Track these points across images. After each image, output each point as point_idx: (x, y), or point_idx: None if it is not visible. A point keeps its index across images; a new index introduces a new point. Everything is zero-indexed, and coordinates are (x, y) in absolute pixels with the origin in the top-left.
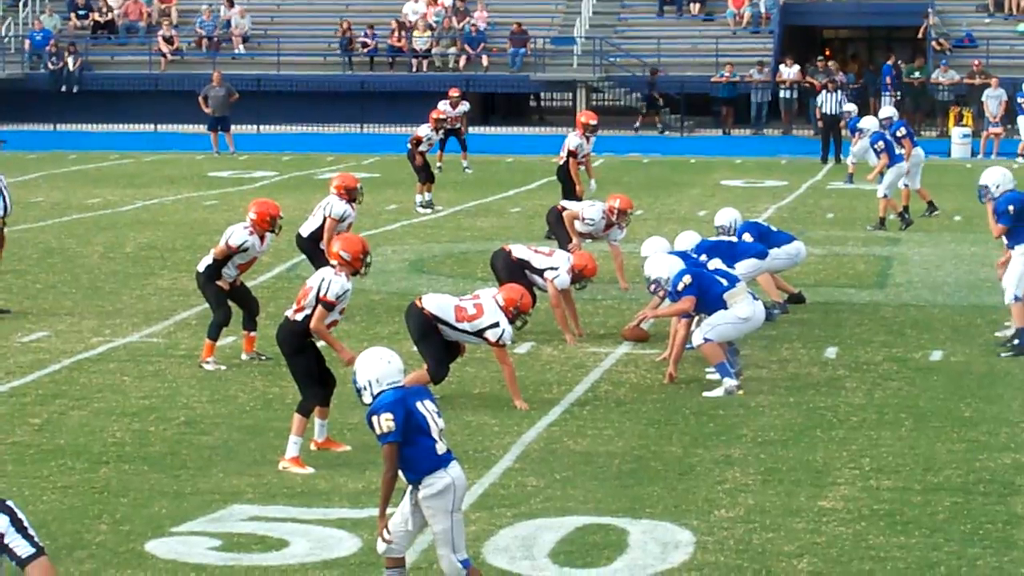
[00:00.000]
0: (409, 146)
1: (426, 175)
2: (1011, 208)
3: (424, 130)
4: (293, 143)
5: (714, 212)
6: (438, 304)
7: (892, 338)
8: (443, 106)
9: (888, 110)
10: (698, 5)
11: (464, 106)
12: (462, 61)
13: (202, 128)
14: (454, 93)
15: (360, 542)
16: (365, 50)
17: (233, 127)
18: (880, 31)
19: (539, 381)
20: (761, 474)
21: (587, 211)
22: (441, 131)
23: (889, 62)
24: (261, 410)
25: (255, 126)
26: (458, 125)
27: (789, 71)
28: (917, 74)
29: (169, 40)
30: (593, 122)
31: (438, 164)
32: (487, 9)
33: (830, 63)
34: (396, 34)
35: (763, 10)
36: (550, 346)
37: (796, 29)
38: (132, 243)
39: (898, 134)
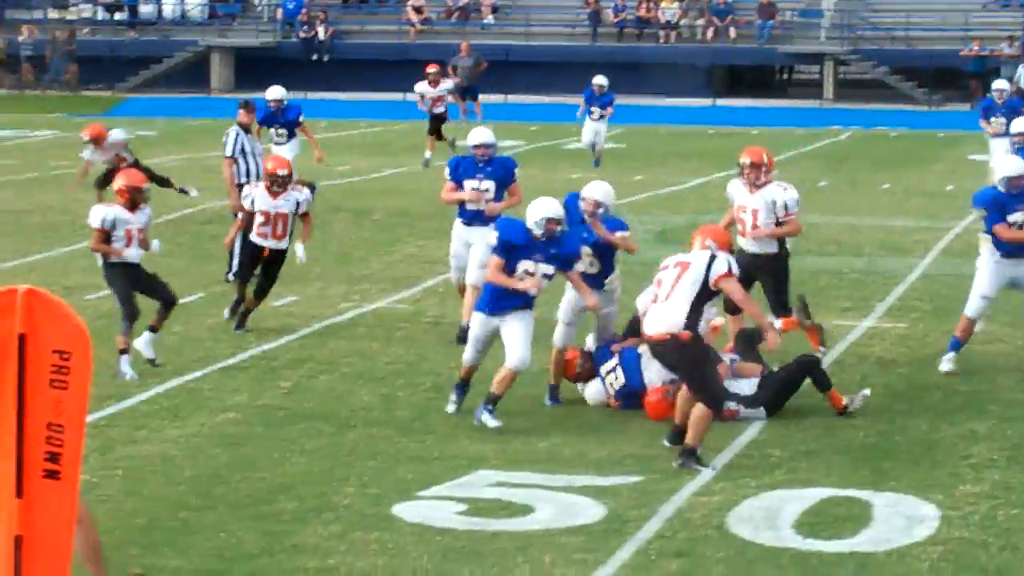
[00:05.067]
0: None
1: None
2: None
3: None
4: (540, 113)
5: (961, 187)
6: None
7: None
8: (421, 87)
9: None
10: None
11: (447, 83)
12: (709, 33)
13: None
14: (431, 69)
15: (605, 510)
16: (614, 21)
17: (481, 96)
18: None
19: (785, 352)
20: (1007, 450)
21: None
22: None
23: None
24: None
25: (503, 95)
26: (441, 108)
27: None
28: None
29: (419, 10)
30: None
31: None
32: None
33: None
34: (645, 5)
35: None
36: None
37: None
38: (380, 210)
39: None
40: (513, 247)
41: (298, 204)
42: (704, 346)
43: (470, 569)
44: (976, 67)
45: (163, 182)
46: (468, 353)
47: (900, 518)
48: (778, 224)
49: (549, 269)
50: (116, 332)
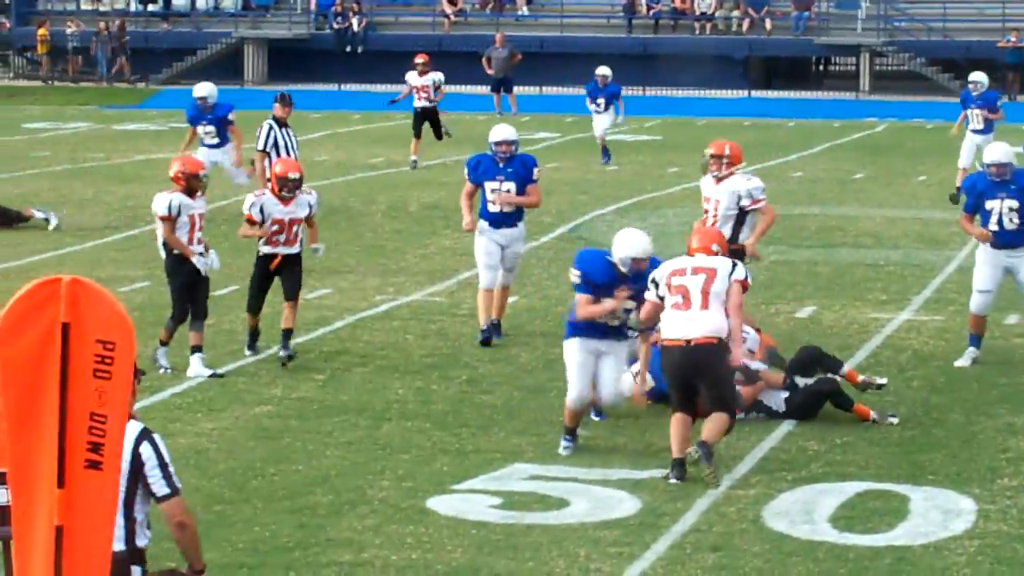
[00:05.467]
0: None
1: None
2: None
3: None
4: (575, 104)
5: None
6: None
7: None
8: (410, 76)
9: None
10: None
11: (435, 75)
12: (745, 24)
13: (485, 89)
14: (419, 60)
15: (640, 503)
16: (649, 12)
17: (516, 88)
18: None
19: (820, 346)
20: None
21: None
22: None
23: None
24: (543, 370)
25: (537, 87)
26: (427, 102)
27: None
28: None
29: (453, 1)
30: None
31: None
32: None
33: None
34: None
35: None
36: (831, 311)
37: None
38: (415, 202)
39: None
40: (596, 285)
41: (310, 207)
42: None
43: (505, 563)
44: (1014, 58)
45: (16, 218)
46: (575, 388)
47: (937, 512)
48: (742, 213)
49: (630, 304)
50: (148, 324)
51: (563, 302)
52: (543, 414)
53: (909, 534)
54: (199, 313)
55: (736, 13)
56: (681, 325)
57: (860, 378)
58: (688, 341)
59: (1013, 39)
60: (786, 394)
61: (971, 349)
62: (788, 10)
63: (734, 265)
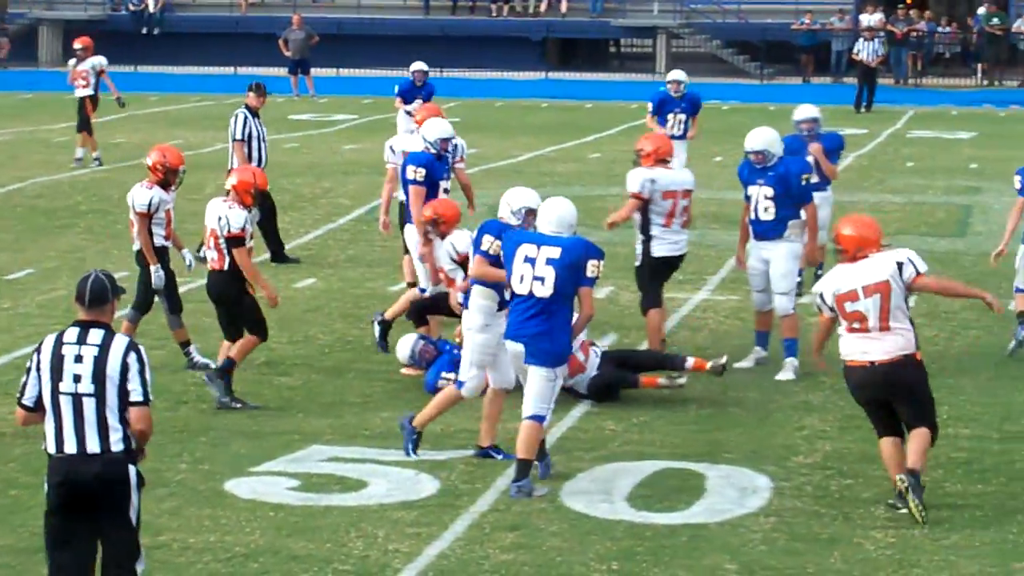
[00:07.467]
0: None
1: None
2: None
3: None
4: (373, 86)
5: None
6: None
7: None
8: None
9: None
10: None
11: (96, 60)
12: (543, 6)
13: (282, 71)
14: (78, 44)
15: (439, 484)
16: None
17: (313, 70)
18: None
19: (618, 326)
20: (839, 421)
21: None
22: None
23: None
24: (341, 351)
25: (335, 69)
26: (86, 89)
27: (870, 19)
28: (996, 21)
29: None
30: None
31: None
32: None
33: (911, 11)
34: None
35: None
36: (629, 291)
37: None
38: (212, 184)
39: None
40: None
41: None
42: None
43: (303, 544)
44: (808, 41)
45: None
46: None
47: (733, 489)
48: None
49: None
50: None
51: (360, 283)
52: (342, 395)
53: (706, 511)
54: (175, 307)
55: None
56: (862, 345)
57: (660, 380)
58: (872, 363)
59: (807, 21)
60: (593, 374)
61: (756, 348)
62: None
63: (900, 265)
